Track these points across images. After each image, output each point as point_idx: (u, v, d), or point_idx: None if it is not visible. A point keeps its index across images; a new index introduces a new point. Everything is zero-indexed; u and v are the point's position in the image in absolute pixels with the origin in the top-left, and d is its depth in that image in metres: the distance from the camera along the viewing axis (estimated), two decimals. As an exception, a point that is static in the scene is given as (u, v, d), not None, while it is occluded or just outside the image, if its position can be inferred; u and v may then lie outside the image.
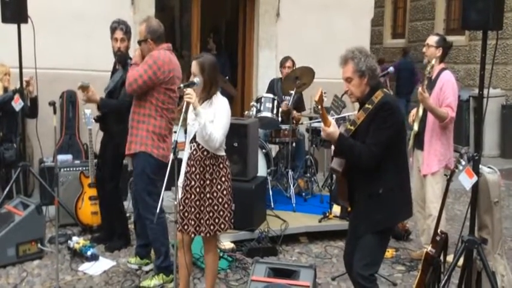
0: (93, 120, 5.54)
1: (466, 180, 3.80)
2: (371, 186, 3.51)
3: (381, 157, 3.41)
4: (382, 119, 3.42)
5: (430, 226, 5.01)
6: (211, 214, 4.05)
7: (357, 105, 3.85)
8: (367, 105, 3.49)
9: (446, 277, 3.93)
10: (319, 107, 3.41)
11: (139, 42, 4.68)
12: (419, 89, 4.94)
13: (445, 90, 5.05)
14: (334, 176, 6.25)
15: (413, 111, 5.43)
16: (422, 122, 5.21)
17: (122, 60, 5.29)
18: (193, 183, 4.07)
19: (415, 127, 5.28)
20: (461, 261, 3.99)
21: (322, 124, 3.45)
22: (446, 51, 5.29)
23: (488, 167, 4.08)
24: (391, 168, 3.50)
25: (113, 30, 5.30)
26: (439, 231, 4.22)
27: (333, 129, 3.43)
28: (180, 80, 4.73)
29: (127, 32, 5.30)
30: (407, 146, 5.40)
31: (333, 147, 3.67)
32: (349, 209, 3.74)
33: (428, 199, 5.19)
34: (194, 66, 4.04)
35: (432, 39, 5.26)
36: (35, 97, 5.95)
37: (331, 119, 3.48)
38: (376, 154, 3.40)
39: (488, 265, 3.82)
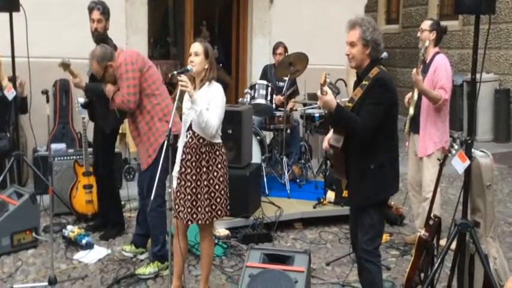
0: (82, 107, 5.51)
1: (458, 164, 3.82)
2: (363, 162, 3.61)
3: (375, 130, 3.50)
4: (375, 94, 3.51)
5: (426, 209, 5.04)
6: (208, 201, 4.05)
7: (351, 91, 3.87)
8: (364, 82, 3.57)
9: (439, 260, 3.96)
10: (324, 88, 3.49)
11: (103, 78, 4.75)
12: (413, 71, 4.95)
13: (438, 73, 5.07)
14: (328, 161, 6.27)
15: (409, 95, 5.44)
16: (418, 106, 5.23)
17: (99, 40, 5.30)
18: (189, 170, 4.07)
19: (411, 111, 5.30)
20: (454, 245, 4.02)
21: (318, 93, 3.51)
22: (441, 35, 5.30)
23: (481, 151, 4.09)
24: (382, 145, 3.59)
25: (90, 10, 5.34)
26: (432, 215, 4.25)
27: (330, 97, 3.50)
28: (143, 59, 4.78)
29: (104, 12, 5.32)
30: (403, 130, 5.43)
31: (329, 134, 3.74)
32: (344, 183, 3.81)
33: (425, 182, 5.21)
34: (198, 47, 4.02)
35: (426, 24, 5.29)
36: (25, 97, 5.95)
37: (330, 92, 3.54)
38: (370, 127, 3.49)
39: (481, 248, 3.84)
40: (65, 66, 5.06)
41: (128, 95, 4.55)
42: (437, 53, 5.24)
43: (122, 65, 4.60)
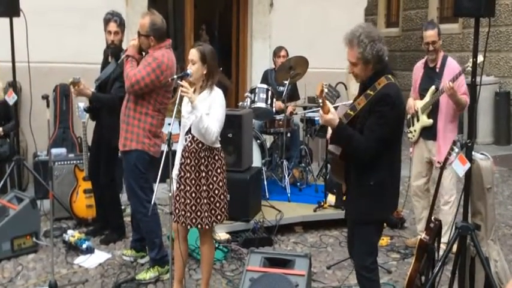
0: (85, 111, 5.49)
1: (459, 167, 3.80)
2: (363, 177, 3.46)
3: (378, 151, 3.34)
4: (381, 113, 3.30)
5: (447, 212, 5.09)
6: (207, 206, 4.05)
7: (351, 95, 3.84)
8: (368, 91, 3.38)
9: (440, 263, 3.95)
10: (320, 100, 3.31)
11: (140, 35, 4.55)
12: (449, 83, 4.82)
13: (458, 79, 4.97)
14: (328, 164, 6.26)
15: (410, 102, 5.32)
16: (433, 112, 5.15)
17: (115, 53, 5.24)
18: (188, 174, 4.06)
19: (425, 119, 5.18)
20: (455, 248, 4.01)
21: (320, 111, 3.35)
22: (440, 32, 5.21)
23: (481, 154, 4.08)
24: (384, 162, 3.42)
25: (106, 22, 5.23)
26: (432, 218, 4.24)
27: (332, 116, 3.32)
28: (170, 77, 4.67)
29: (121, 24, 5.24)
30: (411, 138, 5.36)
31: (329, 131, 3.60)
32: (344, 188, 3.71)
33: (447, 187, 5.14)
34: (194, 54, 3.97)
35: (432, 34, 5.10)
36: None
37: (330, 105, 3.36)
38: (374, 148, 3.32)
39: (481, 251, 3.83)
40: (75, 84, 5.00)
41: (137, 82, 4.37)
42: (446, 56, 5.17)
43: (157, 60, 4.40)
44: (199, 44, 4.07)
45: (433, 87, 5.13)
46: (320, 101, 3.31)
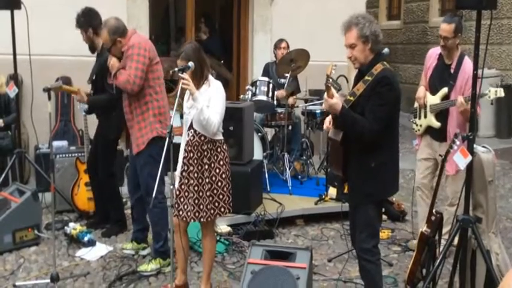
0: (85, 113, 5.56)
1: (460, 159, 3.80)
2: (364, 159, 3.57)
3: (382, 132, 3.45)
4: (380, 95, 3.44)
5: (451, 213, 4.84)
6: (210, 198, 4.07)
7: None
8: (366, 77, 3.51)
9: (441, 256, 3.96)
10: (330, 80, 3.45)
11: (109, 49, 4.68)
12: (462, 101, 4.58)
13: (468, 83, 4.59)
14: (329, 155, 6.26)
15: (421, 93, 5.13)
16: (443, 115, 4.96)
17: (91, 49, 5.44)
18: (191, 168, 4.08)
19: (435, 121, 5.01)
20: (456, 241, 4.01)
21: (325, 95, 3.46)
22: (461, 29, 4.80)
23: (483, 147, 4.08)
24: (384, 143, 3.55)
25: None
26: (434, 211, 4.24)
27: (336, 100, 3.43)
28: (154, 51, 4.75)
29: (79, 25, 5.39)
30: (416, 131, 5.25)
31: (326, 121, 3.70)
32: (342, 176, 3.77)
33: (451, 194, 5.06)
34: (180, 63, 3.98)
35: (446, 29, 4.73)
36: None
37: (335, 91, 3.48)
38: (377, 130, 3.43)
39: (482, 244, 3.84)
40: (57, 89, 4.99)
41: (135, 76, 4.47)
42: (462, 56, 4.86)
43: (135, 47, 4.53)
44: (179, 52, 4.07)
45: (445, 90, 4.92)
46: (330, 80, 3.44)
